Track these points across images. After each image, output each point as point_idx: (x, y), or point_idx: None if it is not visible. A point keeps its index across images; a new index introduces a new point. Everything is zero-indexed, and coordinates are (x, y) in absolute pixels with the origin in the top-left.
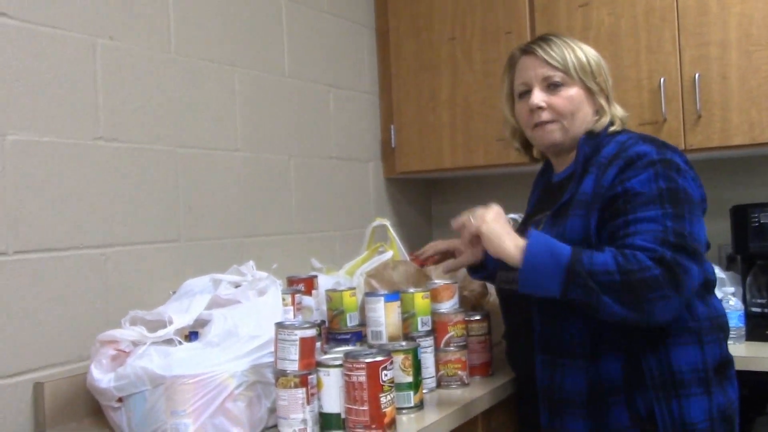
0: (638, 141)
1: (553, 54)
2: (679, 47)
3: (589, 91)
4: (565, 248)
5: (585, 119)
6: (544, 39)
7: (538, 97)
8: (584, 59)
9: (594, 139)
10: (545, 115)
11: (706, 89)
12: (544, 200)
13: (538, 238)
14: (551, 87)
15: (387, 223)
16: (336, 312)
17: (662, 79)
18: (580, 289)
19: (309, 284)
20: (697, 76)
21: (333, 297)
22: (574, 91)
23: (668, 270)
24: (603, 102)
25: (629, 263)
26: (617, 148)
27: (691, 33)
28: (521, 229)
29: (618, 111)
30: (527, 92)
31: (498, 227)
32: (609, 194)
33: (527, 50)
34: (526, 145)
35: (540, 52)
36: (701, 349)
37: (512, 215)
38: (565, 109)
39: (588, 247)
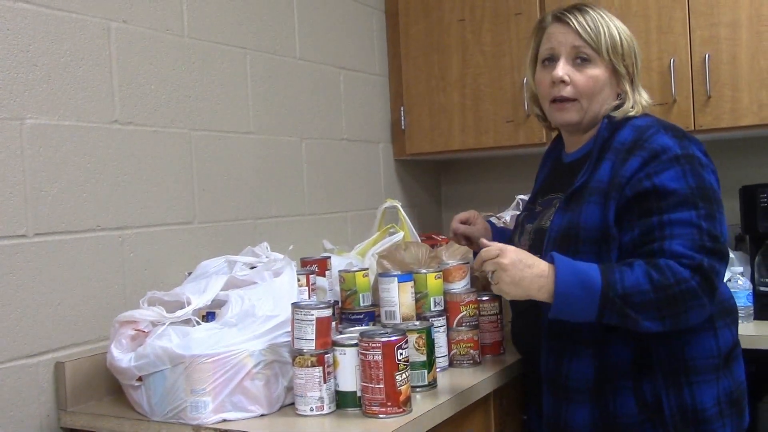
0: (659, 130)
1: (587, 27)
2: (690, 28)
3: (615, 72)
4: (594, 274)
5: (605, 102)
6: (579, 9)
7: (563, 69)
8: (617, 38)
9: (612, 123)
10: (567, 91)
11: (716, 70)
12: (555, 180)
13: (564, 270)
14: (578, 61)
15: (398, 204)
16: (349, 292)
17: (672, 60)
18: (616, 315)
19: (322, 265)
20: (707, 56)
21: (346, 278)
22: (599, 71)
23: (705, 278)
24: (627, 86)
25: (664, 277)
26: (634, 134)
27: (701, 13)
28: (528, 207)
29: (643, 97)
30: (552, 60)
31: (514, 289)
32: (635, 189)
33: (560, 17)
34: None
35: (574, 21)
36: (715, 335)
37: (520, 196)
38: (588, 88)
39: (604, 238)
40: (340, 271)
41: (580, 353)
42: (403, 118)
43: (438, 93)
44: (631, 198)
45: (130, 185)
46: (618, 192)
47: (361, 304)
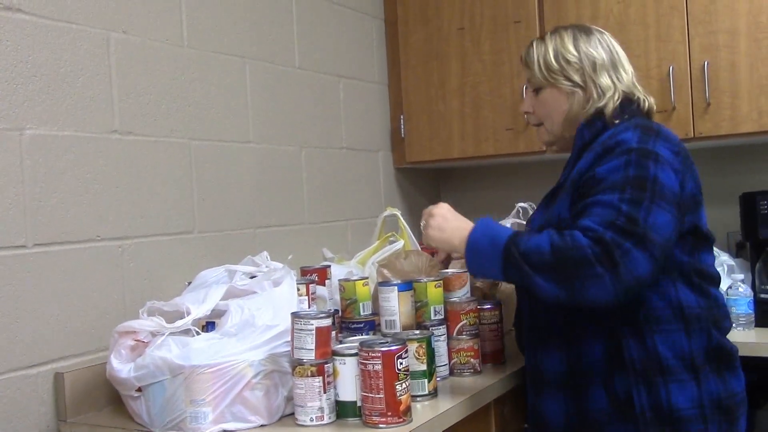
0: (628, 128)
1: (528, 59)
2: (688, 35)
3: (560, 89)
4: (504, 233)
5: (563, 117)
6: (532, 41)
7: (526, 103)
8: (550, 57)
9: (594, 125)
10: (532, 119)
11: (715, 77)
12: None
13: (481, 224)
14: (534, 92)
15: (398, 212)
16: (349, 301)
17: (671, 68)
18: (515, 270)
19: (322, 274)
20: (706, 64)
21: (346, 287)
22: (546, 93)
23: (605, 251)
24: (581, 92)
25: (562, 241)
26: (608, 134)
27: (700, 21)
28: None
29: (601, 84)
30: None
31: (438, 234)
32: (580, 180)
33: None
34: None
35: (524, 57)
36: (687, 335)
37: (521, 204)
38: (541, 113)
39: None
40: (340, 280)
41: (551, 347)
42: (402, 126)
43: (437, 101)
44: (576, 188)
45: (130, 195)
46: (571, 187)
47: (362, 313)
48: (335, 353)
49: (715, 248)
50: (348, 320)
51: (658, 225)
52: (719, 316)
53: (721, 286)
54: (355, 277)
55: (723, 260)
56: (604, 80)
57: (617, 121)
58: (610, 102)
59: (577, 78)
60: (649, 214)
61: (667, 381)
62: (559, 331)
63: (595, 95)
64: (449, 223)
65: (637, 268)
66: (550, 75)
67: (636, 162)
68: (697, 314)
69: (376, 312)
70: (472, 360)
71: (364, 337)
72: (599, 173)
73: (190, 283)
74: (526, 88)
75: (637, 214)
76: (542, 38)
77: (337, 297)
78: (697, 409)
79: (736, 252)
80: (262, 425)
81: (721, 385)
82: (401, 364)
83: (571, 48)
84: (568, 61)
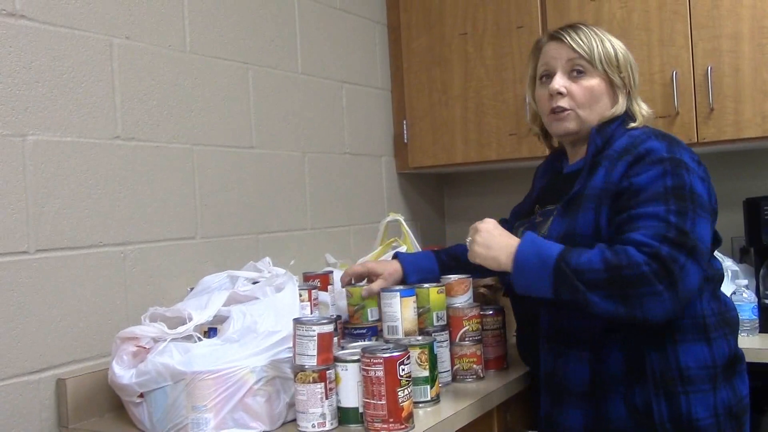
0: (651, 137)
1: (580, 41)
2: (692, 40)
3: (611, 83)
4: (553, 249)
5: (603, 112)
6: (572, 26)
7: (560, 81)
8: (611, 51)
9: (605, 131)
10: (564, 102)
11: (719, 82)
12: (554, 190)
13: (527, 240)
14: (574, 73)
15: (400, 218)
16: (357, 307)
17: (675, 72)
18: (567, 288)
19: (325, 280)
20: (709, 69)
21: (354, 292)
22: (595, 82)
23: (663, 266)
24: (621, 97)
25: (617, 258)
26: (629, 142)
27: (703, 26)
28: (527, 217)
29: (643, 108)
30: (549, 76)
31: (484, 251)
32: (616, 190)
33: (555, 36)
34: (546, 133)
35: (567, 38)
36: (708, 345)
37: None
38: (584, 98)
39: (598, 240)
40: (348, 288)
41: (576, 356)
42: (405, 131)
43: (440, 106)
44: (613, 199)
45: (132, 201)
46: (609, 197)
47: (369, 319)
48: (337, 359)
49: (718, 253)
50: (352, 326)
51: (703, 235)
52: (731, 319)
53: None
54: (362, 283)
55: (727, 265)
56: (636, 86)
57: (633, 124)
58: (637, 115)
59: (628, 80)
60: (695, 224)
61: (688, 392)
62: (583, 341)
63: (629, 100)
64: (495, 239)
65: (692, 281)
66: (609, 66)
67: (672, 172)
68: (717, 322)
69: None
70: (474, 366)
71: (366, 343)
72: (637, 183)
73: (192, 288)
74: (547, 74)
75: (686, 225)
76: (584, 27)
77: (340, 303)
78: (713, 418)
79: (740, 257)
80: (263, 431)
81: (731, 391)
82: (403, 370)
83: (621, 46)
84: (626, 60)
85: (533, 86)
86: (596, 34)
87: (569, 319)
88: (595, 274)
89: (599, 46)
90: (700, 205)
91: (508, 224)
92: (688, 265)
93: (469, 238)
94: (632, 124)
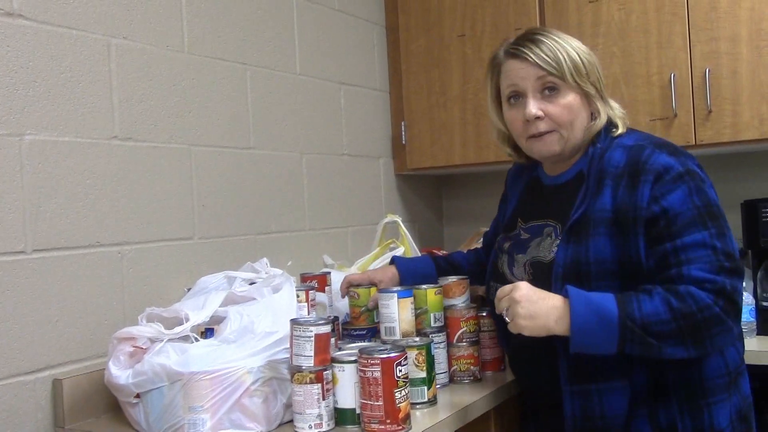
0: (654, 149)
1: (545, 57)
2: (690, 42)
3: (585, 94)
4: (610, 304)
5: (583, 126)
6: (531, 39)
7: (534, 105)
8: (577, 59)
9: (596, 145)
10: (542, 126)
11: (717, 84)
12: (538, 203)
13: (579, 301)
14: (546, 92)
15: (398, 219)
16: (364, 309)
17: (673, 75)
18: (637, 345)
19: (322, 281)
20: (707, 71)
21: (361, 294)
22: (571, 98)
23: (729, 301)
24: (600, 105)
25: (685, 305)
26: (629, 155)
27: (701, 28)
28: (509, 232)
29: (616, 109)
30: (517, 96)
31: (530, 323)
32: (647, 216)
33: (515, 53)
34: (517, 149)
35: (531, 55)
36: (722, 354)
37: None
38: (564, 118)
39: (629, 272)
40: (353, 288)
41: (611, 389)
42: (403, 133)
43: (439, 108)
44: (646, 225)
45: (130, 201)
46: (641, 224)
47: (375, 320)
48: (334, 360)
49: None
50: (351, 327)
51: (737, 249)
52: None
53: None
54: (367, 285)
55: None
56: (603, 86)
57: (618, 132)
58: (616, 120)
59: (598, 85)
60: (732, 242)
61: (709, 403)
62: (616, 370)
63: (603, 110)
64: (538, 306)
65: (742, 302)
66: (579, 77)
67: (696, 188)
68: None
69: None
70: (471, 367)
71: (364, 344)
72: (670, 208)
73: (189, 289)
74: (515, 94)
75: (728, 247)
76: (543, 38)
77: (337, 304)
78: (730, 425)
79: None
80: None
81: (739, 393)
82: (400, 371)
83: (582, 47)
84: (592, 64)
85: (497, 104)
86: (557, 42)
87: (593, 356)
88: (666, 326)
89: (565, 58)
90: (724, 217)
91: (489, 238)
92: (742, 290)
93: (506, 310)
94: (615, 132)
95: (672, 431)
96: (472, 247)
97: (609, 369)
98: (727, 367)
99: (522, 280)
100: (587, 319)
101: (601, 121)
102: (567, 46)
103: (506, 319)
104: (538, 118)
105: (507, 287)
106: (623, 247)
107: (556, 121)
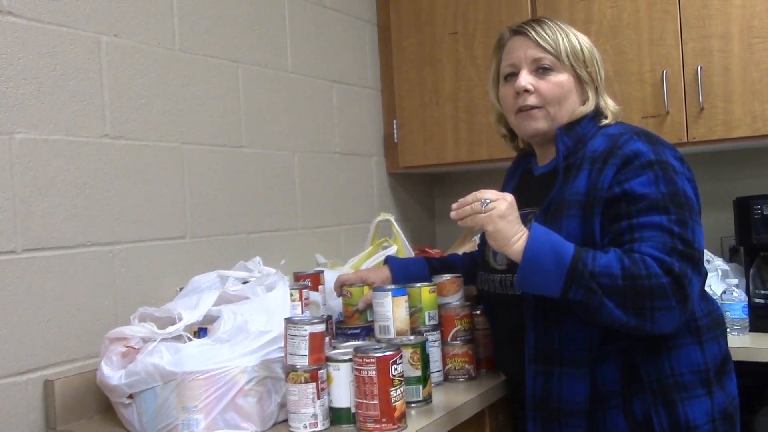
0: (632, 136)
1: (546, 36)
2: (682, 40)
3: (579, 79)
4: (567, 245)
5: (572, 108)
6: (537, 20)
7: (526, 79)
8: (577, 45)
9: (574, 130)
10: (531, 100)
11: (709, 82)
12: (526, 193)
13: (539, 232)
14: (540, 71)
15: (391, 217)
16: (356, 307)
17: (665, 72)
18: (582, 290)
19: (316, 280)
20: (699, 68)
21: (354, 292)
22: (563, 77)
23: (676, 281)
24: (591, 93)
25: (636, 267)
26: (608, 142)
27: (693, 26)
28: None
29: (610, 104)
30: (514, 74)
31: (506, 226)
32: (608, 196)
33: (518, 31)
34: (513, 133)
35: (532, 33)
36: (701, 348)
37: None
38: (553, 95)
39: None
40: (345, 287)
41: (572, 375)
42: (396, 131)
43: (431, 106)
44: (605, 206)
45: (121, 200)
46: (600, 204)
47: (369, 319)
48: (329, 359)
49: (708, 252)
50: (345, 326)
51: (700, 242)
52: (719, 318)
53: (714, 290)
54: (360, 283)
55: (717, 265)
56: (602, 82)
57: (605, 122)
58: (606, 111)
59: (594, 75)
60: (694, 233)
61: (683, 398)
62: (579, 357)
63: (594, 99)
64: (514, 218)
65: (695, 293)
66: (575, 61)
67: (663, 176)
68: (708, 323)
69: None
70: (466, 366)
71: (358, 342)
72: (631, 190)
73: (182, 288)
74: (512, 72)
75: (688, 234)
76: (549, 22)
77: (331, 302)
78: (711, 423)
79: (730, 257)
80: None
81: (724, 393)
82: (396, 369)
83: (586, 40)
84: (591, 55)
85: (497, 86)
86: (561, 28)
87: (561, 335)
88: (613, 280)
89: (565, 40)
90: (692, 209)
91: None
92: (693, 279)
93: (487, 200)
94: (604, 122)
95: (648, 424)
96: (465, 246)
97: (573, 353)
98: (706, 363)
99: (502, 266)
100: (542, 251)
101: (588, 107)
102: (569, 32)
103: (482, 207)
104: (527, 91)
105: (500, 193)
106: (586, 228)
107: (545, 97)
